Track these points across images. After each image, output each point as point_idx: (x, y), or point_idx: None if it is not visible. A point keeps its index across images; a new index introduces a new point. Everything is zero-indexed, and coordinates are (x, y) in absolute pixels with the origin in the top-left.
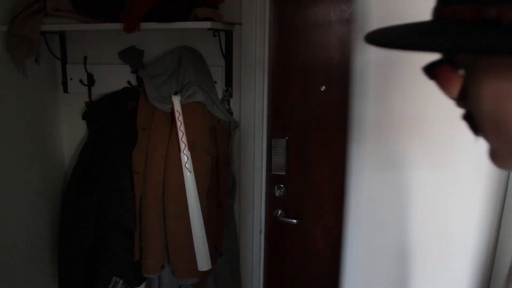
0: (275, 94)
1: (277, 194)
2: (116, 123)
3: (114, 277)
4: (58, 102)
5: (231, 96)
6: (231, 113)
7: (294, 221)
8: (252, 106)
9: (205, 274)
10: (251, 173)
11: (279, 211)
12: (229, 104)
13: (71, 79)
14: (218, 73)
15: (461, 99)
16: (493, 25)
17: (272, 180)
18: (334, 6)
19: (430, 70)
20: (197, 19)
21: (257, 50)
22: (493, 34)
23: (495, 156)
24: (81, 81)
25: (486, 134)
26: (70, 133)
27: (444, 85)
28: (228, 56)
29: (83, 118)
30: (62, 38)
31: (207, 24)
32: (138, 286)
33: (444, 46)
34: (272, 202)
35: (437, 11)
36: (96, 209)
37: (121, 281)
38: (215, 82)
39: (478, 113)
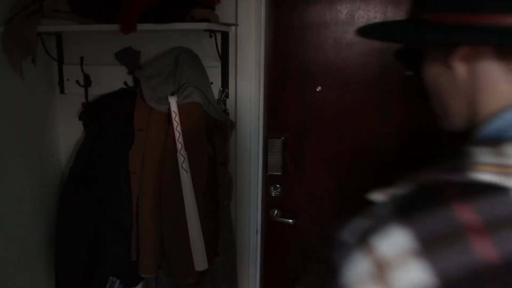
0: (271, 94)
1: (273, 194)
2: (113, 124)
3: (111, 277)
4: (54, 103)
5: (227, 96)
6: (228, 114)
7: (290, 220)
8: (248, 106)
9: (202, 274)
10: (247, 173)
11: (275, 211)
12: (225, 105)
13: (68, 80)
14: (214, 74)
15: (417, 76)
16: (428, 25)
17: (268, 180)
18: (330, 7)
19: (399, 55)
20: (193, 20)
21: (253, 51)
22: (423, 31)
23: (438, 118)
24: (77, 82)
25: (432, 102)
26: (67, 134)
27: (406, 66)
28: (224, 57)
29: (79, 119)
30: (59, 39)
31: (204, 25)
32: (135, 286)
33: (399, 38)
34: (268, 202)
35: (408, 13)
36: (93, 210)
37: (118, 281)
38: (212, 83)
39: (426, 87)
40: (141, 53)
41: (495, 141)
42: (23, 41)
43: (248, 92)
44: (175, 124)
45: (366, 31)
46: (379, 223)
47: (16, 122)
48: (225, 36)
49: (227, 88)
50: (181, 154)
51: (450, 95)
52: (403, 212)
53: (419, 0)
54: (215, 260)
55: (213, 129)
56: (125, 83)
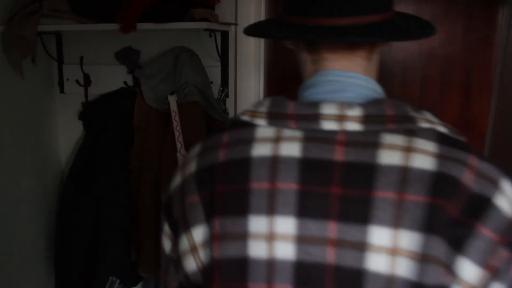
0: (271, 94)
1: None
2: (113, 123)
3: (110, 277)
4: (54, 102)
5: (227, 96)
6: (227, 113)
7: None
8: (248, 106)
9: None
10: None
11: None
12: (225, 104)
13: (68, 79)
14: (214, 73)
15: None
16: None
17: None
18: None
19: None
20: (193, 19)
21: (253, 51)
22: (277, 30)
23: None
24: (77, 81)
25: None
26: (67, 134)
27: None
28: (224, 57)
29: (79, 119)
30: (59, 38)
31: (203, 25)
32: (135, 285)
33: (262, 35)
34: None
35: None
36: (93, 209)
37: (118, 281)
38: (211, 82)
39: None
40: (141, 52)
41: (273, 98)
42: (22, 41)
43: (248, 91)
44: (175, 123)
45: (247, 29)
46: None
47: (16, 122)
48: (225, 35)
49: (227, 87)
50: (181, 153)
51: (300, 66)
52: (208, 136)
53: (283, 4)
54: None
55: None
56: (125, 82)
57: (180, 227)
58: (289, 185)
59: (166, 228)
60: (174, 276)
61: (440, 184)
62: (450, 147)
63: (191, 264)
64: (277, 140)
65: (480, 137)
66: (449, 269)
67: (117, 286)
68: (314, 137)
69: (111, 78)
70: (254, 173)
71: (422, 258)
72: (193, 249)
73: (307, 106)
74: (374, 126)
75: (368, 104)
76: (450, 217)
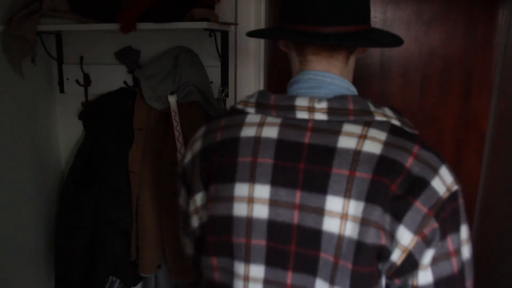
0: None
1: None
2: (113, 123)
3: (110, 277)
4: (54, 102)
5: (227, 96)
6: None
7: None
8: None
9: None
10: None
11: None
12: (225, 104)
13: (68, 79)
14: (214, 73)
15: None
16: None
17: None
18: None
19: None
20: (193, 19)
21: (253, 51)
22: (275, 32)
23: None
24: (77, 81)
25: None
26: (67, 133)
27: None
28: (224, 56)
29: (79, 118)
30: (58, 38)
31: (203, 25)
32: (134, 285)
33: (261, 36)
34: None
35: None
36: (93, 209)
37: (118, 281)
38: (211, 82)
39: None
40: (141, 52)
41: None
42: (22, 40)
43: (248, 91)
44: (174, 123)
45: (252, 33)
46: (204, 125)
47: (16, 122)
48: (224, 35)
49: (227, 87)
50: (180, 153)
51: (291, 66)
52: (217, 115)
53: (280, 11)
54: None
55: None
56: (125, 82)
57: (190, 192)
58: (266, 160)
59: (183, 193)
60: (185, 229)
61: (383, 165)
62: (399, 137)
63: (195, 222)
64: (261, 124)
65: (480, 137)
66: (392, 235)
67: (117, 286)
68: (289, 124)
69: (111, 78)
70: (241, 150)
71: (363, 222)
72: (196, 210)
73: (285, 98)
74: (338, 117)
75: (334, 99)
76: (391, 192)
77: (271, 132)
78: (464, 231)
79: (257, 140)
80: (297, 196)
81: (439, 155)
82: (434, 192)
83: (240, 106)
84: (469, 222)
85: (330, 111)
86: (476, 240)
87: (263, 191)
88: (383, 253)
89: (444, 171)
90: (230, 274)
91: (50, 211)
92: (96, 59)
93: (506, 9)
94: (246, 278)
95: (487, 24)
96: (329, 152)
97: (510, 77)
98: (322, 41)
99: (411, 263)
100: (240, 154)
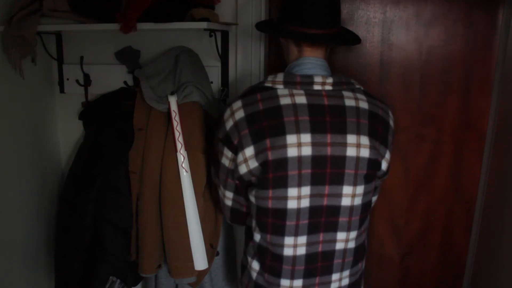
0: None
1: None
2: (113, 123)
3: (111, 277)
4: (54, 102)
5: (227, 96)
6: None
7: None
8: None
9: (201, 273)
10: None
11: None
12: (225, 104)
13: (68, 79)
14: (214, 73)
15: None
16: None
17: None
18: None
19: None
20: (193, 19)
21: (253, 50)
22: (275, 29)
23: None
24: (77, 81)
25: (284, 54)
26: (67, 133)
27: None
28: (224, 56)
29: (79, 118)
30: (59, 38)
31: (203, 25)
32: (135, 285)
33: (266, 31)
34: None
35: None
36: (93, 209)
37: (118, 281)
38: (211, 82)
39: (282, 47)
40: (141, 52)
41: (281, 72)
42: (22, 40)
43: None
44: (175, 123)
45: (260, 28)
46: (233, 101)
47: (16, 122)
48: (225, 35)
49: (227, 87)
50: (181, 153)
51: (286, 53)
52: (242, 94)
53: (281, 14)
54: (214, 260)
55: (213, 129)
56: (125, 82)
57: (238, 149)
58: (305, 118)
59: (227, 152)
60: (232, 179)
61: (371, 115)
62: (370, 97)
63: (243, 169)
64: (291, 95)
65: (480, 136)
66: (382, 154)
67: (117, 286)
68: (310, 93)
69: (111, 78)
70: (284, 113)
71: (369, 147)
72: (245, 160)
73: (307, 77)
74: (338, 87)
75: (334, 76)
76: (379, 131)
77: (301, 99)
78: None
79: (294, 105)
80: (328, 138)
81: (388, 105)
82: (392, 128)
83: (269, 84)
84: (469, 221)
85: (334, 84)
86: (476, 240)
87: (306, 138)
88: (378, 164)
89: (391, 113)
90: (284, 199)
91: (50, 210)
92: (96, 59)
93: (506, 9)
94: (299, 197)
95: (486, 24)
96: (342, 109)
97: (510, 77)
98: (316, 40)
99: (388, 169)
100: (284, 116)
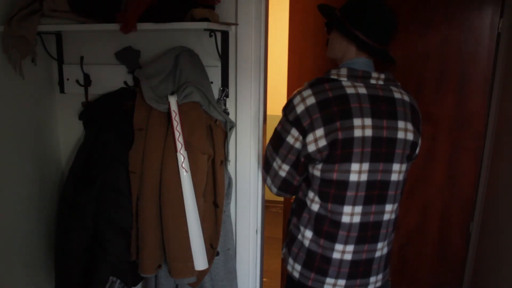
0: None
1: None
2: (113, 123)
3: (111, 277)
4: (54, 102)
5: (227, 96)
6: (227, 113)
7: None
8: (248, 106)
9: (201, 273)
10: (247, 172)
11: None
12: (225, 104)
13: (68, 79)
14: (214, 73)
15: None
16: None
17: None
18: None
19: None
20: (193, 19)
21: (253, 51)
22: (340, 25)
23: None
24: (77, 81)
25: (329, 49)
26: (67, 134)
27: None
28: (224, 57)
29: (79, 119)
30: (59, 38)
31: (203, 25)
32: (135, 285)
33: (335, 23)
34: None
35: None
36: (93, 209)
37: (118, 281)
38: (211, 82)
39: (329, 42)
40: (141, 52)
41: (343, 67)
42: (23, 41)
43: (248, 91)
44: (175, 123)
45: (320, 9)
46: (302, 89)
47: (16, 122)
48: (225, 35)
49: (227, 87)
50: (181, 153)
51: (340, 48)
52: (310, 83)
53: (343, 15)
54: (214, 260)
55: (213, 129)
56: (125, 82)
57: (307, 131)
58: (367, 105)
59: (294, 132)
60: (292, 155)
61: (411, 106)
62: (407, 92)
63: (312, 147)
64: (354, 87)
65: (477, 135)
66: (419, 140)
67: (117, 286)
68: (368, 86)
69: (111, 78)
70: (351, 100)
71: (413, 132)
72: (315, 140)
73: (366, 72)
74: (387, 82)
75: (386, 73)
76: (416, 120)
77: (362, 90)
78: None
79: (358, 95)
80: (384, 122)
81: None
82: (421, 118)
83: (334, 77)
84: (465, 219)
85: (385, 79)
86: (476, 240)
87: (368, 121)
88: (416, 147)
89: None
90: (347, 172)
91: (50, 210)
92: (96, 59)
93: (505, 10)
94: (360, 171)
95: (484, 25)
96: (393, 100)
97: (510, 77)
98: (376, 53)
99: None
100: (351, 103)
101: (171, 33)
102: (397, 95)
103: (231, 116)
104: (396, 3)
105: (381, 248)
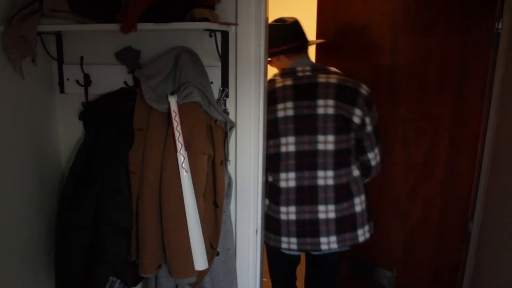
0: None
1: None
2: (113, 124)
3: (111, 277)
4: (54, 102)
5: (227, 96)
6: (227, 113)
7: None
8: (249, 106)
9: (201, 273)
10: (247, 172)
11: None
12: (225, 104)
13: (68, 79)
14: (214, 74)
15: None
16: None
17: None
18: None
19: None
20: (193, 19)
21: (253, 51)
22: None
23: None
24: (77, 81)
25: None
26: (67, 134)
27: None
28: (224, 57)
29: (79, 119)
30: (59, 38)
31: (203, 25)
32: (135, 285)
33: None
34: None
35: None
36: (93, 209)
37: (118, 281)
38: (211, 82)
39: None
40: (141, 52)
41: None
42: (22, 41)
43: (248, 91)
44: (175, 123)
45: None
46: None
47: (16, 122)
48: (225, 35)
49: (227, 87)
50: (181, 153)
51: (280, 64)
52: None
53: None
54: (214, 260)
55: (213, 129)
56: (125, 82)
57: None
58: (289, 93)
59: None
60: None
61: (339, 86)
62: (343, 76)
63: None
64: (283, 81)
65: (475, 135)
66: (351, 112)
67: (117, 286)
68: (296, 78)
69: (111, 78)
70: (277, 91)
71: (335, 106)
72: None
73: (291, 69)
74: (315, 72)
75: (312, 64)
76: (346, 95)
77: (289, 82)
78: None
79: (283, 86)
80: (304, 103)
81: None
82: (363, 94)
83: (273, 78)
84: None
85: (312, 70)
86: (476, 239)
87: (290, 104)
88: (345, 119)
89: (363, 85)
90: (278, 146)
91: (50, 211)
92: (96, 59)
93: (505, 10)
94: (287, 144)
95: (483, 26)
96: (315, 84)
97: (510, 78)
98: (290, 51)
99: (363, 123)
100: (277, 93)
101: (171, 33)
102: (321, 80)
103: (231, 116)
104: (402, 7)
105: (325, 211)
